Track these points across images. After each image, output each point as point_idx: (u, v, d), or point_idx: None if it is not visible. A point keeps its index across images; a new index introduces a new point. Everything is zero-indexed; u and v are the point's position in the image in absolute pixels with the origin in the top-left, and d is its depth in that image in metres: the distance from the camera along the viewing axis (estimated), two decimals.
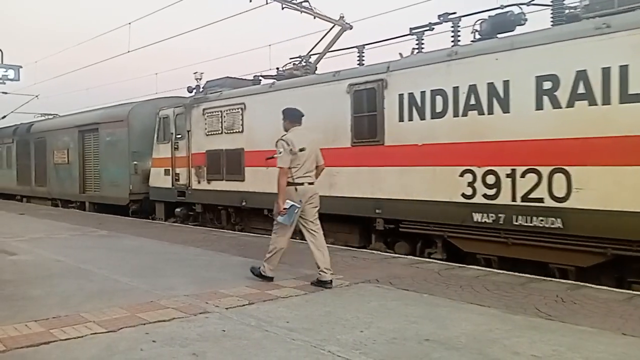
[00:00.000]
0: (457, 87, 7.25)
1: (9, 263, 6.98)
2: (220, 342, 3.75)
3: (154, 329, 4.02)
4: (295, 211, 5.56)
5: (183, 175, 12.23)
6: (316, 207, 5.78)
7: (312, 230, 5.75)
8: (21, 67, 15.27)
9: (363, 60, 9.47)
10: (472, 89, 7.09)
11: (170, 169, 12.66)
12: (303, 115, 6.02)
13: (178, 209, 12.66)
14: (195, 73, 32.23)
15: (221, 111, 11.17)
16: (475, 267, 6.83)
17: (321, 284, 5.55)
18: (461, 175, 7.18)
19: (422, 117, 7.66)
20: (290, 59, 10.92)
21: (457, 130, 7.27)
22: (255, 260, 7.07)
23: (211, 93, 11.77)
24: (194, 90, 12.60)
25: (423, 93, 7.64)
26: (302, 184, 5.65)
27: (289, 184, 5.63)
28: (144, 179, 13.80)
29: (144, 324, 4.14)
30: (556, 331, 4.02)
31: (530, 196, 6.52)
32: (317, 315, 4.47)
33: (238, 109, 10.78)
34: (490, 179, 6.90)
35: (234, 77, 12.18)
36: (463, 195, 7.16)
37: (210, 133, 11.43)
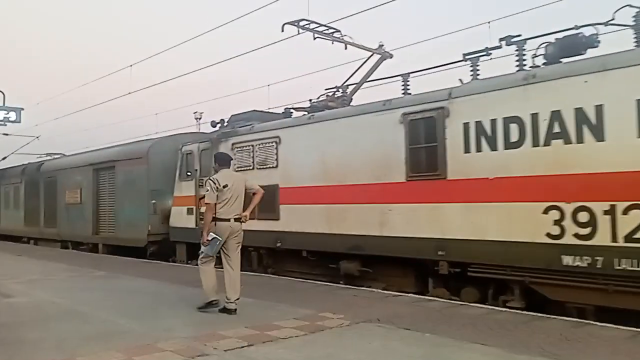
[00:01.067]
0: (537, 113, 6.59)
1: (4, 305, 6.87)
2: None
3: None
4: (217, 243, 6.34)
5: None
6: (238, 242, 6.54)
7: (230, 263, 6.50)
8: (22, 109, 15.47)
9: (408, 89, 8.98)
10: (556, 115, 6.43)
11: (194, 207, 11.88)
12: (232, 159, 7.64)
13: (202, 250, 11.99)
14: (195, 113, 32.39)
15: (252, 145, 10.53)
16: (478, 305, 6.75)
17: (226, 311, 6.23)
18: (545, 212, 6.42)
19: (494, 148, 6.98)
20: (326, 89, 10.44)
21: (537, 161, 6.56)
22: (255, 300, 7.02)
23: (240, 127, 11.14)
24: (218, 125, 12.03)
25: (494, 121, 6.99)
26: (227, 219, 6.35)
27: (213, 219, 6.34)
28: (164, 219, 13.08)
29: None
30: None
31: (637, 236, 5.76)
32: (318, 357, 4.39)
33: (272, 142, 10.11)
34: (583, 216, 6.13)
35: (262, 111, 11.75)
36: (548, 235, 6.38)
37: (240, 169, 10.50)
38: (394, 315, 6.01)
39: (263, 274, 10.12)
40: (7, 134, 25.66)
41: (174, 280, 9.07)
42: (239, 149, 10.83)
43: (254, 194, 6.73)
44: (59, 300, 7.20)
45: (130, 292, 8.03)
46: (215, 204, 6.33)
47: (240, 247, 6.57)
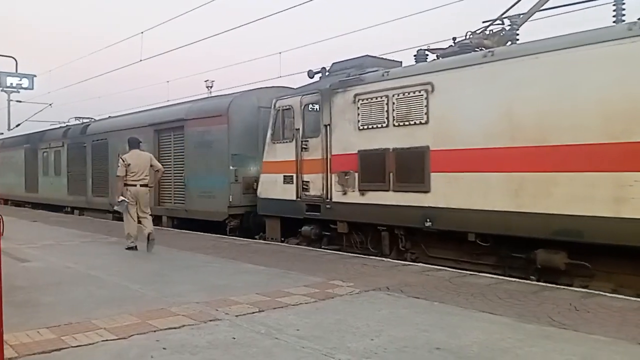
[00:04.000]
0: None
1: (21, 270, 7.03)
2: (230, 350, 3.74)
3: (165, 336, 4.02)
4: (125, 204, 8.78)
5: (316, 183, 9.47)
6: (147, 202, 9.10)
7: (142, 215, 8.98)
8: (35, 75, 15.48)
9: (622, 14, 6.67)
10: None
11: (295, 175, 9.88)
12: (141, 142, 9.31)
13: (306, 228, 9.84)
14: (206, 81, 32.26)
15: (387, 96, 8.26)
16: (487, 275, 6.76)
17: (130, 249, 8.75)
18: None
19: None
20: (483, 22, 8.35)
21: None
22: (266, 268, 7.11)
23: (365, 73, 8.97)
24: (318, 75, 10.10)
25: None
26: (134, 185, 8.84)
27: (125, 184, 8.84)
28: (246, 189, 11.30)
29: (154, 331, 4.14)
30: (570, 340, 3.96)
31: None
32: (327, 323, 4.44)
33: (420, 91, 7.81)
34: None
35: (376, 57, 9.76)
36: None
37: (366, 127, 8.60)
38: (403, 284, 6.05)
39: (271, 242, 10.15)
40: (20, 101, 25.92)
41: (185, 247, 9.19)
42: (364, 102, 8.62)
43: (156, 170, 9.26)
44: (73, 265, 7.34)
45: (142, 258, 8.16)
46: (125, 175, 8.83)
47: (148, 206, 9.19)
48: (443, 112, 7.64)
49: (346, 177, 8.90)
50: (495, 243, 7.25)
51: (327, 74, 9.93)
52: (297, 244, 9.88)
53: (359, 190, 8.69)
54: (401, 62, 9.53)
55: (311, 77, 10.19)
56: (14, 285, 5.90)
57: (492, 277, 6.60)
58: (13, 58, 16.83)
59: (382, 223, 8.50)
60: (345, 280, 6.18)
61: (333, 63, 9.95)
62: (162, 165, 13.35)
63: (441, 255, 8.01)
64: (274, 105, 10.46)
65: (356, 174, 8.73)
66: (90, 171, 16.84)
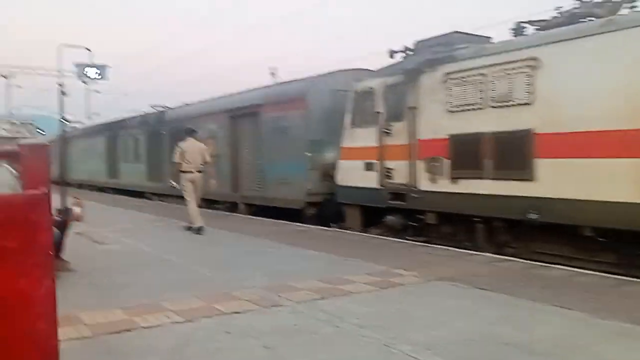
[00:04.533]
0: None
1: (99, 252, 7.48)
2: (292, 336, 3.78)
3: (229, 321, 4.13)
4: (184, 187, 9.59)
5: (401, 170, 8.82)
6: (201, 187, 9.74)
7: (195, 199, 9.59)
8: (109, 66, 16.28)
9: None
10: None
11: (376, 162, 9.30)
12: (195, 131, 10.06)
13: (390, 217, 9.29)
14: (270, 69, 32.63)
15: (483, 74, 7.50)
16: (560, 267, 6.41)
17: (190, 229, 9.31)
18: None
19: None
20: None
21: None
22: (328, 254, 7.14)
23: (459, 49, 8.24)
24: (399, 54, 9.49)
25: None
26: (190, 172, 9.53)
27: (180, 171, 9.57)
28: (324, 176, 10.82)
29: (220, 315, 4.26)
30: None
31: None
32: (389, 312, 4.39)
33: (523, 68, 7.01)
34: None
35: (465, 33, 9.02)
36: None
37: (458, 109, 7.88)
38: (469, 274, 5.86)
39: (335, 229, 10.15)
40: (98, 92, 27.52)
41: (252, 233, 9.40)
42: (457, 81, 7.88)
43: (206, 162, 9.80)
44: (147, 248, 7.71)
45: (211, 243, 8.44)
46: (180, 162, 9.53)
47: (201, 191, 9.86)
48: (552, 91, 6.80)
49: (435, 164, 8.22)
50: (616, 239, 6.40)
51: (410, 53, 9.27)
52: (380, 234, 9.34)
53: (450, 178, 8.02)
54: (490, 37, 8.85)
55: (392, 58, 9.56)
56: (94, 267, 6.30)
57: (566, 269, 6.25)
58: (87, 49, 17.82)
59: (477, 214, 7.77)
60: (409, 269, 6.08)
61: (417, 41, 9.25)
62: (238, 151, 13.40)
63: (547, 250, 7.19)
64: (354, 88, 9.89)
65: (446, 161, 8.08)
66: (168, 158, 16.87)
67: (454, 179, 7.99)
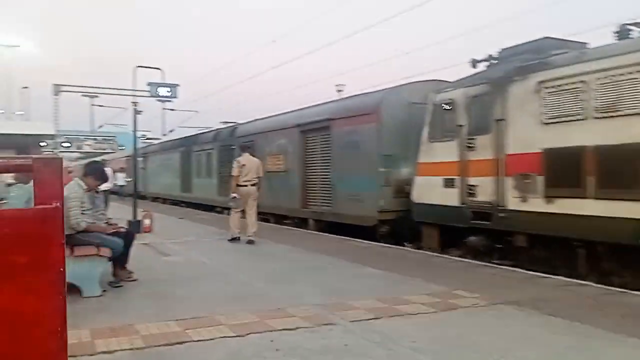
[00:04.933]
0: None
1: (163, 263, 7.71)
2: (341, 357, 3.64)
3: (279, 337, 4.06)
4: (236, 199, 10.04)
5: (485, 187, 8.16)
6: (255, 199, 10.07)
7: (249, 212, 10.02)
8: (179, 85, 17.00)
9: None
10: None
11: (457, 178, 8.70)
12: (250, 147, 11.43)
13: (473, 238, 8.55)
14: (337, 85, 32.85)
15: (585, 82, 6.77)
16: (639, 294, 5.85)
17: (250, 242, 9.73)
18: None
19: None
20: None
21: None
22: (386, 273, 6.94)
23: (553, 56, 7.58)
24: (481, 63, 9.01)
25: None
26: (245, 185, 9.94)
27: (237, 185, 9.97)
28: (398, 192, 10.38)
29: (271, 331, 4.20)
30: None
31: None
32: (447, 337, 4.14)
33: (634, 73, 6.26)
34: None
35: (557, 38, 8.29)
36: None
37: (554, 120, 7.17)
38: (537, 298, 5.47)
39: (395, 246, 9.89)
40: (173, 109, 28.83)
41: (311, 248, 9.35)
42: (552, 90, 7.18)
43: (258, 177, 10.13)
44: (207, 261, 7.86)
45: (270, 257, 8.47)
46: (238, 176, 9.93)
47: (256, 203, 10.13)
48: None
49: (526, 181, 7.48)
50: None
51: (494, 61, 8.75)
52: (460, 256, 8.65)
53: (544, 196, 7.24)
54: (587, 43, 8.05)
55: (474, 67, 9.06)
56: (156, 278, 6.47)
57: None
58: (159, 69, 18.71)
59: (578, 237, 6.93)
60: (471, 291, 5.76)
61: (502, 49, 8.71)
62: (309, 166, 13.27)
63: None
64: (432, 100, 9.35)
65: (540, 177, 7.32)
66: None
67: (549, 197, 7.20)
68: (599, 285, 6.33)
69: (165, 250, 8.87)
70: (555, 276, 6.92)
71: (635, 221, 6.13)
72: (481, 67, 9.02)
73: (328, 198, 12.25)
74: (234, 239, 9.98)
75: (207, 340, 3.96)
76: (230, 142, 17.69)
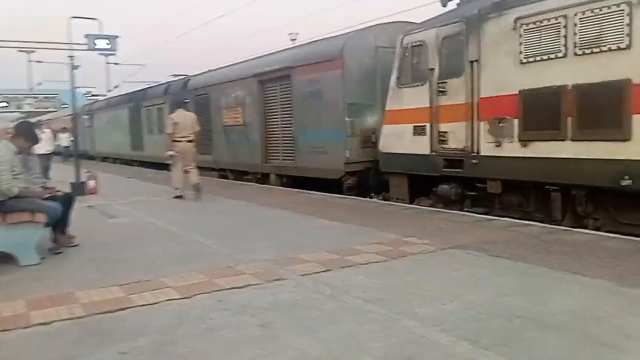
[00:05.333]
0: None
1: (108, 226, 7.41)
2: (291, 313, 3.59)
3: (227, 296, 3.96)
4: (173, 156, 10.07)
5: (457, 134, 7.86)
6: (193, 155, 10.20)
7: (188, 167, 10.13)
8: (118, 37, 16.02)
9: None
10: None
11: (428, 125, 8.30)
12: (187, 102, 11.20)
13: (444, 187, 8.31)
14: (290, 34, 31.93)
15: (565, 16, 6.41)
16: (584, 231, 6.09)
17: (196, 190, 9.85)
18: None
19: None
20: None
21: None
22: (341, 224, 6.93)
23: None
24: (454, 3, 8.39)
25: None
26: (181, 141, 9.97)
27: (173, 141, 10.02)
28: (364, 143, 10.01)
29: (218, 291, 4.09)
30: None
31: None
32: (397, 285, 4.16)
33: (617, 7, 5.94)
34: None
35: None
36: None
37: (532, 59, 6.81)
38: (485, 241, 5.59)
39: (351, 196, 9.89)
40: (117, 63, 27.35)
41: (264, 203, 9.23)
42: (531, 26, 6.81)
43: (196, 131, 10.27)
44: (156, 221, 7.60)
45: (221, 214, 8.31)
46: (173, 133, 10.00)
47: (194, 159, 10.30)
48: None
49: (501, 125, 7.19)
50: None
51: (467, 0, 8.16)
52: (431, 205, 8.54)
53: (520, 140, 6.98)
54: None
55: (444, 6, 8.50)
56: (100, 242, 6.20)
57: (590, 233, 5.93)
58: (97, 20, 17.58)
59: (555, 181, 6.75)
60: (422, 237, 5.83)
61: None
62: (270, 118, 12.49)
63: (639, 222, 6.21)
64: (401, 43, 8.78)
65: (516, 121, 7.03)
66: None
67: (525, 141, 6.93)
68: (543, 225, 6.55)
69: (111, 212, 8.53)
70: (502, 218, 7.11)
71: (616, 162, 5.97)
72: (452, 5, 8.49)
73: (290, 151, 11.76)
74: (178, 197, 9.98)
75: (152, 304, 3.81)
76: (183, 96, 16.05)
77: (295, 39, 31.56)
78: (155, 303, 3.83)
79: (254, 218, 7.85)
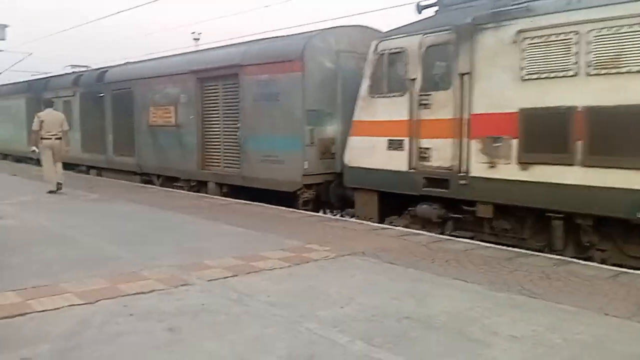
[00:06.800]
0: None
1: None
2: (198, 317, 3.72)
3: (133, 302, 3.99)
4: (38, 152, 10.83)
5: (442, 151, 7.33)
6: (60, 151, 10.81)
7: (57, 163, 10.73)
8: (7, 25, 14.85)
9: None
10: None
11: (406, 139, 7.74)
12: (54, 102, 12.09)
13: (425, 206, 7.72)
14: (193, 33, 31.27)
15: (577, 33, 6.03)
16: (464, 240, 6.79)
17: (59, 188, 10.57)
18: None
19: None
20: None
21: None
22: (245, 230, 7.08)
23: (533, 1, 6.59)
24: (434, 8, 7.95)
25: None
26: (49, 139, 10.65)
27: (41, 138, 10.67)
28: (323, 153, 9.35)
29: (123, 296, 4.10)
30: (537, 310, 4.00)
31: None
32: (299, 290, 4.44)
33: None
34: None
35: None
36: None
37: (535, 76, 6.36)
38: (380, 248, 6.05)
39: (255, 203, 10.03)
40: (1, 50, 25.08)
41: (166, 206, 9.11)
42: (537, 42, 6.35)
43: (65, 130, 11.02)
44: (48, 223, 7.24)
45: (121, 217, 8.08)
46: (39, 130, 10.65)
47: (61, 155, 10.96)
48: None
49: (496, 145, 6.68)
50: None
51: (451, 7, 7.67)
52: (406, 226, 7.88)
53: (519, 162, 6.48)
54: None
55: (419, 13, 8.03)
56: None
57: (469, 243, 6.63)
58: None
59: (559, 209, 6.29)
60: (323, 244, 6.18)
61: None
62: (207, 119, 11.30)
63: None
64: (375, 49, 8.14)
65: (514, 141, 6.52)
66: (111, 126, 14.50)
67: (525, 163, 6.45)
68: (431, 234, 7.18)
69: None
70: (394, 227, 7.69)
71: (634, 192, 5.63)
72: (427, 13, 8.04)
73: (234, 158, 10.66)
74: (51, 192, 10.55)
75: (52, 310, 3.74)
76: (97, 89, 15.10)
77: (198, 39, 31.01)
78: (56, 309, 3.76)
79: (157, 222, 7.75)
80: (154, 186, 12.73)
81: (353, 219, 8.35)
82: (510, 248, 6.39)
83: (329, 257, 5.60)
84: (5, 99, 21.71)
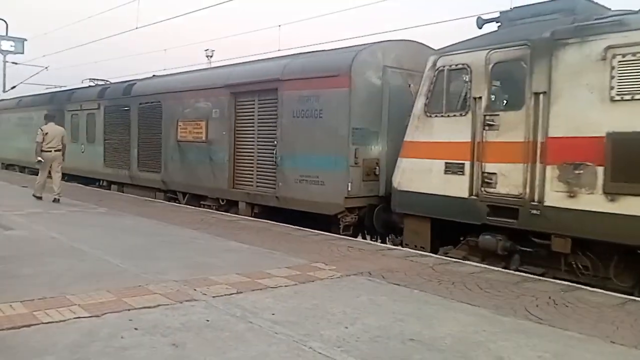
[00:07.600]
0: None
1: (3, 238, 7.00)
2: (203, 333, 3.72)
3: (138, 316, 4.00)
4: (41, 162, 11.42)
5: (511, 177, 6.64)
6: (59, 163, 11.54)
7: (55, 174, 11.46)
8: (26, 39, 15.19)
9: None
10: None
11: (468, 163, 7.07)
12: (55, 117, 12.75)
13: (489, 237, 6.98)
14: (206, 50, 31.66)
15: None
16: (471, 264, 6.77)
17: (55, 201, 11.09)
18: None
19: None
20: None
21: None
22: (250, 247, 7.10)
23: (623, 15, 6.13)
24: (497, 23, 7.50)
25: None
26: (49, 151, 11.34)
27: (42, 150, 11.34)
28: (367, 175, 8.74)
29: (129, 310, 4.12)
30: (544, 336, 3.96)
31: None
32: (304, 308, 4.43)
33: None
34: None
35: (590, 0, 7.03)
36: None
37: (628, 97, 5.69)
38: (385, 269, 6.04)
39: (261, 220, 10.05)
40: (16, 63, 25.54)
41: (174, 221, 9.15)
42: (630, 59, 5.67)
43: (64, 144, 11.75)
44: (57, 235, 7.31)
45: (129, 231, 8.13)
46: (42, 142, 11.33)
47: (60, 166, 11.65)
48: None
49: (577, 172, 6.01)
50: None
51: (515, 22, 7.20)
52: (464, 258, 7.25)
53: (606, 192, 5.79)
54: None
55: (480, 27, 7.59)
56: None
57: (475, 266, 6.60)
58: (3, 21, 16.53)
59: (594, 237, 5.89)
60: (328, 263, 6.18)
61: (513, 8, 7.36)
62: (240, 136, 10.79)
63: None
64: (434, 64, 7.59)
65: (600, 169, 5.84)
66: (136, 140, 14.00)
67: (614, 194, 5.75)
68: (437, 256, 7.17)
69: (7, 223, 8.04)
70: (401, 248, 7.67)
71: None
72: (490, 28, 7.56)
73: (269, 178, 10.08)
74: (37, 197, 11.42)
75: (58, 321, 3.77)
76: (123, 102, 14.65)
77: (211, 55, 31.39)
78: (62, 321, 3.79)
79: (162, 237, 7.79)
80: (160, 200, 12.80)
81: (357, 239, 8.33)
82: (517, 273, 6.35)
83: (335, 277, 5.60)
84: (24, 111, 21.53)
